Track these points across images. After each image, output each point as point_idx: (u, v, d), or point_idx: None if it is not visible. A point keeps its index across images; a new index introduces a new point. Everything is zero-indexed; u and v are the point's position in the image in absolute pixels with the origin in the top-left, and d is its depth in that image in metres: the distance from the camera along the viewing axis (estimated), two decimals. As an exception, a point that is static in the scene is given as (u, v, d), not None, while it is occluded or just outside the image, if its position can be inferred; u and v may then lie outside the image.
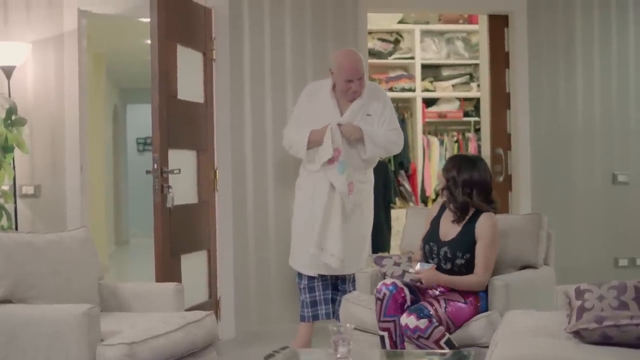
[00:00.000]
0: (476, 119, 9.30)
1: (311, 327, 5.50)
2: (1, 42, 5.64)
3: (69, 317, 3.68)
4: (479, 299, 4.42)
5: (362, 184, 5.51)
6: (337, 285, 5.56)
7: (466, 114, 9.42)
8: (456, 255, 4.44)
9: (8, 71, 5.61)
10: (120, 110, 14.08)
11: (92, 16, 6.08)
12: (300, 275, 5.54)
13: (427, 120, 9.29)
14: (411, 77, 9.21)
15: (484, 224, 4.47)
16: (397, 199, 8.81)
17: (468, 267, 4.45)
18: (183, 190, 5.49)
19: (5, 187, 5.59)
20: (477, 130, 9.32)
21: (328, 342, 3.38)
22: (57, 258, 4.17)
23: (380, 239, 8.07)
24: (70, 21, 5.87)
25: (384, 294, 4.25)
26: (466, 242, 4.45)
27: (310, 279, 5.50)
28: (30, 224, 5.83)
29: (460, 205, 4.50)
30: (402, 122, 9.18)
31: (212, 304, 5.86)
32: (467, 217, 4.51)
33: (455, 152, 9.33)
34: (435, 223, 4.63)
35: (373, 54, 8.70)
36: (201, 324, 4.18)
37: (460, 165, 4.54)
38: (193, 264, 5.65)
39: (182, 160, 5.51)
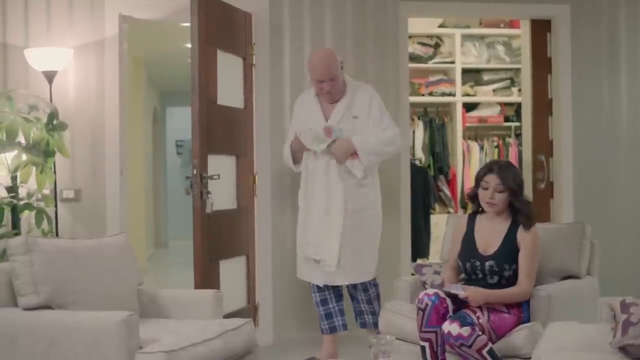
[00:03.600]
0: (517, 124, 9.21)
1: (334, 339, 5.36)
2: (43, 47, 5.67)
3: (109, 324, 3.68)
4: (522, 310, 4.35)
5: (362, 188, 5.23)
6: (352, 295, 5.40)
7: (507, 119, 9.33)
8: (503, 268, 4.37)
9: (50, 76, 5.64)
10: (160, 112, 14.14)
11: (133, 20, 6.09)
12: (312, 289, 5.39)
13: (467, 125, 9.21)
14: (451, 82, 9.14)
15: (526, 234, 4.40)
16: (436, 204, 8.77)
17: (515, 278, 4.39)
18: (222, 195, 5.48)
19: (47, 191, 5.61)
20: (518, 136, 9.22)
21: (356, 351, 3.35)
22: (96, 264, 4.18)
23: (419, 245, 8.04)
24: (111, 26, 5.89)
25: (426, 304, 4.19)
26: (511, 252, 4.38)
27: (321, 291, 5.34)
28: (71, 228, 5.86)
29: (528, 210, 4.44)
30: (442, 126, 9.15)
31: (250, 310, 5.85)
32: (507, 227, 4.44)
33: (496, 157, 9.25)
34: (470, 238, 4.53)
35: (413, 58, 8.63)
36: (240, 332, 4.17)
37: (513, 168, 4.51)
38: (232, 270, 5.65)
39: (222, 166, 5.50)
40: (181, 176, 13.55)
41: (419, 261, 8.05)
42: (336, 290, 5.37)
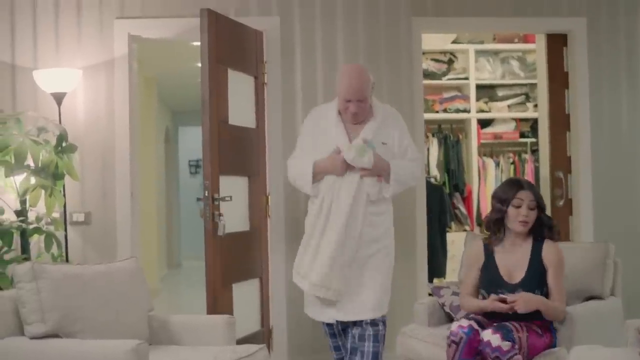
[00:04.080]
0: (533, 139, 9.10)
1: None
2: (52, 68, 5.59)
3: (118, 353, 3.59)
4: (552, 335, 4.23)
5: (378, 217, 4.76)
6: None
7: (522, 135, 9.22)
8: (534, 293, 4.22)
9: (59, 98, 5.57)
10: (172, 132, 14.09)
11: (143, 40, 6.02)
12: (325, 332, 4.96)
13: (482, 141, 9.10)
14: (466, 98, 9.04)
15: (551, 250, 4.30)
16: (452, 222, 8.65)
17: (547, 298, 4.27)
18: (234, 217, 5.37)
19: (56, 215, 5.53)
20: (534, 152, 9.11)
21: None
22: (106, 290, 4.08)
23: (436, 264, 7.92)
24: (120, 46, 5.83)
25: (460, 337, 4.01)
26: (538, 275, 4.26)
27: (329, 325, 4.88)
28: (81, 251, 5.77)
29: (553, 223, 4.40)
30: (457, 143, 9.04)
31: (264, 334, 5.73)
32: (530, 248, 4.32)
33: (512, 173, 9.13)
34: (492, 267, 4.37)
35: (427, 74, 8.54)
36: (254, 359, 4.05)
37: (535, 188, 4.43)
38: (245, 293, 5.53)
39: (234, 187, 5.40)
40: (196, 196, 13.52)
41: (435, 282, 7.94)
42: (343, 325, 4.80)
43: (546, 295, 4.23)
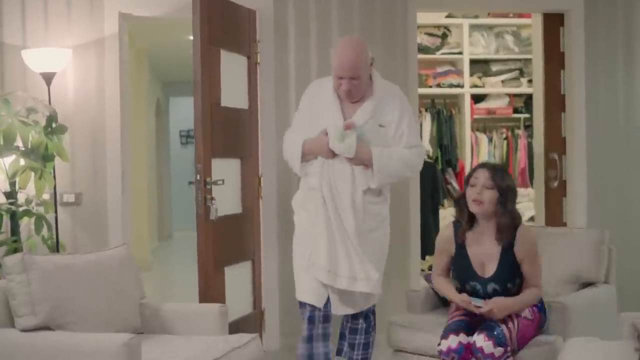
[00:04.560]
0: (526, 115, 9.05)
1: None
2: (41, 48, 5.50)
3: (110, 347, 3.55)
4: (542, 314, 4.21)
5: (375, 205, 4.40)
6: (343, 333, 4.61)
7: (516, 111, 9.17)
8: (507, 287, 4.15)
9: (48, 78, 5.47)
10: (163, 103, 13.98)
11: (133, 18, 5.92)
12: (306, 318, 4.51)
13: (475, 116, 9.05)
14: (459, 73, 8.96)
15: (524, 241, 4.15)
16: (445, 200, 8.62)
17: (520, 289, 4.20)
18: (226, 199, 5.32)
19: (46, 196, 5.46)
20: (527, 127, 9.07)
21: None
22: (97, 281, 4.04)
23: (428, 241, 7.88)
24: (111, 25, 5.72)
25: (452, 358, 3.95)
26: (512, 268, 4.15)
27: (312, 322, 4.46)
28: (71, 232, 5.71)
29: (512, 221, 4.14)
30: (450, 118, 8.98)
31: (256, 316, 5.71)
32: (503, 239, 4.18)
33: (505, 149, 9.10)
34: (463, 259, 4.25)
35: (420, 49, 8.42)
36: (246, 349, 4.03)
37: (505, 171, 4.23)
38: (237, 275, 5.49)
39: (226, 169, 5.34)
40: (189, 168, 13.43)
41: (428, 259, 7.93)
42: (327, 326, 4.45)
43: (520, 283, 4.17)
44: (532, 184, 8.46)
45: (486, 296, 4.13)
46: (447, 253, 4.35)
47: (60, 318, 3.81)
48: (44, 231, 5.36)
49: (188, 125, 15.02)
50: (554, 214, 6.43)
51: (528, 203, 8.68)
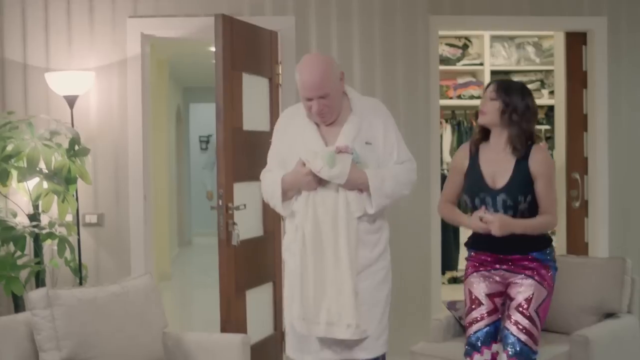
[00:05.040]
0: (547, 127, 9.02)
1: None
2: (64, 71, 5.53)
3: (134, 385, 3.56)
4: (552, 277, 4.05)
5: (372, 235, 3.94)
6: None
7: (537, 122, 9.12)
8: (518, 200, 3.94)
9: (71, 100, 5.50)
10: (183, 109, 14.01)
11: (155, 39, 5.95)
12: None
13: (496, 128, 9.02)
14: (480, 84, 8.97)
15: (539, 158, 3.97)
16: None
17: (531, 211, 3.98)
18: (248, 223, 5.33)
19: (69, 218, 5.50)
20: (548, 139, 9.04)
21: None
22: (121, 314, 4.06)
23: (448, 257, 7.90)
24: (133, 46, 5.75)
25: None
26: (524, 182, 3.95)
27: None
28: (94, 253, 5.75)
29: (525, 135, 3.96)
30: (471, 129, 8.96)
31: (277, 337, 5.72)
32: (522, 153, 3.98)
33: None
34: (476, 171, 4.06)
35: (441, 60, 8.42)
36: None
37: (523, 90, 4.04)
38: (258, 297, 5.50)
39: (247, 192, 5.34)
40: (202, 175, 13.48)
41: (447, 274, 7.92)
42: None
43: (534, 205, 3.98)
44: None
45: (495, 210, 3.97)
46: (461, 171, 4.16)
47: (85, 353, 3.84)
48: (67, 253, 5.38)
49: (208, 131, 15.09)
50: (576, 233, 6.41)
51: (549, 216, 8.64)
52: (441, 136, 8.54)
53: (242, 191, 5.26)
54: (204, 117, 14.59)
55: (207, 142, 15.36)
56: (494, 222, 3.84)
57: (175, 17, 5.79)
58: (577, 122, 6.46)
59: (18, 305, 5.34)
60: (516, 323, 3.94)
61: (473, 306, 4.10)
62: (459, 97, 8.96)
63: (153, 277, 4.55)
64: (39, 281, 5.39)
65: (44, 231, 5.35)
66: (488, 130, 4.08)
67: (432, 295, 5.99)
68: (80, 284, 5.45)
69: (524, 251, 3.99)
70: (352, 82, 5.87)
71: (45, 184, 5.28)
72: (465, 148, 4.21)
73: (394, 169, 3.94)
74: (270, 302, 5.71)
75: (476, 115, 4.25)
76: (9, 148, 5.21)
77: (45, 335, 3.79)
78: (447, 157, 8.80)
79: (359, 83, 5.87)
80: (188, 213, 14.12)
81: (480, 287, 4.08)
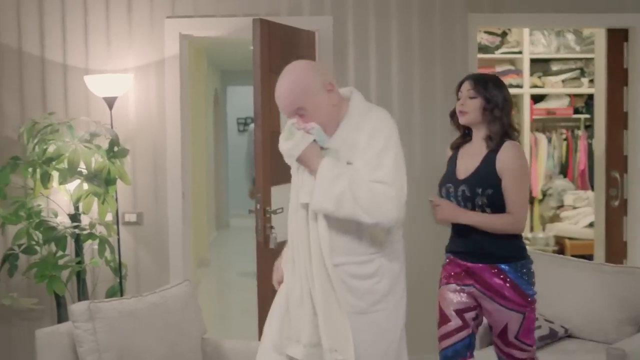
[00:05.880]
0: (586, 115, 8.96)
1: None
2: (103, 74, 5.58)
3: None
4: (525, 294, 3.82)
5: (362, 282, 3.26)
6: None
7: (576, 111, 9.08)
8: (475, 192, 3.80)
9: (110, 102, 5.54)
10: (221, 92, 14.05)
11: (193, 39, 5.97)
12: None
13: (534, 117, 8.97)
14: (519, 73, 8.90)
15: (508, 153, 3.80)
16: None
17: (492, 208, 3.80)
18: (285, 226, 5.32)
19: (109, 218, 5.57)
20: (587, 127, 8.97)
21: None
22: (160, 324, 4.11)
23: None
24: (171, 47, 5.77)
25: None
26: (487, 174, 3.81)
27: None
28: (133, 251, 5.82)
29: (503, 130, 3.84)
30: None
31: (314, 336, 5.76)
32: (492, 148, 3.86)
33: (564, 150, 9.01)
34: (452, 163, 4.03)
35: (479, 48, 8.38)
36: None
37: (498, 82, 3.94)
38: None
39: (284, 194, 5.33)
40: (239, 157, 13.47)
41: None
42: None
43: (497, 203, 3.78)
44: (592, 186, 8.37)
45: (455, 199, 3.90)
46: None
47: (126, 365, 3.91)
48: (107, 253, 5.46)
49: (246, 113, 15.14)
50: (615, 232, 6.37)
51: (587, 208, 8.60)
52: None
53: (279, 194, 5.27)
54: (242, 100, 14.63)
55: (245, 124, 15.41)
56: (439, 205, 3.83)
57: (213, 17, 5.80)
58: (617, 119, 6.40)
59: (60, 303, 5.43)
60: (501, 351, 3.95)
61: (442, 320, 4.01)
62: (498, 85, 8.89)
63: (191, 283, 4.61)
64: (80, 280, 5.48)
65: (84, 232, 5.42)
66: (469, 129, 4.01)
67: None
68: (120, 282, 5.53)
69: (491, 260, 3.84)
70: (390, 82, 5.86)
71: (85, 186, 5.35)
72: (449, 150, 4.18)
73: (359, 178, 3.13)
74: (307, 302, 5.74)
75: (452, 112, 4.07)
76: (50, 150, 5.28)
77: (87, 348, 3.85)
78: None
79: (396, 82, 5.86)
80: (225, 195, 14.20)
81: (448, 302, 3.97)
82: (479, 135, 3.95)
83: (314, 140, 3.22)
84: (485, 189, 3.79)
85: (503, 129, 3.85)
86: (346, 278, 3.23)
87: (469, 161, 3.93)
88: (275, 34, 5.23)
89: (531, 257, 3.95)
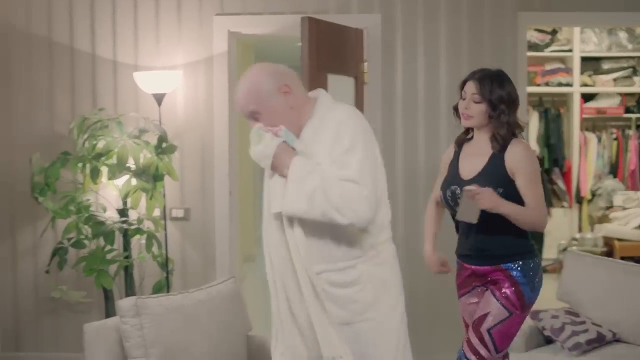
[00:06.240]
0: (638, 115, 8.83)
1: None
2: (152, 71, 5.62)
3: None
4: (521, 296, 3.71)
5: (342, 290, 3.08)
6: None
7: (627, 110, 8.95)
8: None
9: (159, 98, 5.59)
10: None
11: (242, 36, 6.00)
12: None
13: (584, 116, 8.87)
14: (569, 71, 8.80)
15: (516, 152, 3.68)
16: (550, 208, 8.49)
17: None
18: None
19: (156, 213, 5.62)
20: (639, 127, 8.85)
21: None
22: (206, 320, 4.14)
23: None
24: (220, 44, 5.80)
25: None
26: (496, 173, 3.68)
27: None
28: (180, 247, 5.87)
29: (510, 131, 3.71)
30: (558, 117, 8.82)
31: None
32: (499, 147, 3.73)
33: (614, 149, 8.91)
34: (454, 165, 3.90)
35: (529, 46, 8.28)
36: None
37: (501, 79, 3.78)
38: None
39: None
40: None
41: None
42: None
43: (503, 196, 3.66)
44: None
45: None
46: (447, 169, 4.01)
47: (172, 360, 3.94)
48: (154, 248, 5.51)
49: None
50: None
51: (637, 209, 8.49)
52: (527, 123, 8.41)
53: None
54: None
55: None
56: (484, 192, 3.57)
57: (261, 14, 5.82)
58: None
59: (107, 297, 5.49)
60: (467, 340, 3.79)
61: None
62: (547, 84, 8.80)
63: (237, 280, 4.63)
64: (127, 275, 5.54)
65: (132, 227, 5.48)
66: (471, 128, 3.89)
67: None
68: (167, 277, 5.58)
69: (494, 261, 3.76)
70: (438, 80, 5.83)
71: (133, 181, 5.40)
72: (452, 146, 4.04)
73: (330, 175, 2.99)
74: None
75: (455, 106, 3.94)
76: (100, 146, 5.34)
77: (133, 343, 3.89)
78: (533, 144, 8.68)
79: (445, 81, 5.81)
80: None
81: (468, 314, 3.92)
82: (482, 135, 3.82)
83: (285, 142, 3.12)
84: (495, 188, 3.63)
85: (510, 130, 3.73)
86: (326, 286, 3.07)
87: (473, 161, 3.81)
88: (323, 32, 5.23)
89: (538, 256, 3.82)
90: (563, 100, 8.93)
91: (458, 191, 3.76)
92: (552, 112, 8.87)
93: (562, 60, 8.90)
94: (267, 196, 3.23)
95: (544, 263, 8.49)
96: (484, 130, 3.81)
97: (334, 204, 2.94)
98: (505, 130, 3.71)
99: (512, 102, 3.75)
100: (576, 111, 8.78)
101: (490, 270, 3.79)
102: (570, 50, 8.81)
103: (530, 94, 8.23)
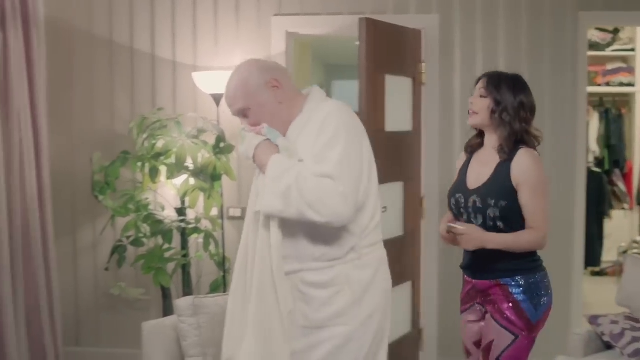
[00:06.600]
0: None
1: None
2: (211, 71, 5.67)
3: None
4: (526, 314, 3.54)
5: (321, 291, 3.03)
6: None
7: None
8: (487, 204, 3.53)
9: (217, 98, 5.63)
10: (326, 87, 14.08)
11: (299, 37, 6.02)
12: None
13: (647, 117, 8.73)
14: (631, 71, 8.66)
15: (523, 161, 3.51)
16: (610, 211, 8.37)
17: (504, 221, 3.54)
18: (388, 223, 5.33)
19: (214, 212, 5.66)
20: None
21: None
22: (262, 321, 4.16)
23: (592, 253, 7.71)
24: (278, 44, 5.83)
25: None
26: (500, 185, 3.54)
27: None
28: (237, 246, 5.83)
29: (515, 136, 3.55)
30: (619, 117, 8.69)
31: (415, 335, 5.75)
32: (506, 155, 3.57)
33: (677, 151, 8.75)
34: (463, 172, 3.78)
35: (590, 45, 8.17)
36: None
37: (515, 84, 3.64)
38: (397, 296, 5.49)
39: (388, 193, 5.35)
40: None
41: (589, 269, 7.72)
42: None
43: (512, 216, 3.54)
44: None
45: (465, 211, 3.67)
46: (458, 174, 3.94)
47: (228, 360, 3.96)
48: (212, 247, 5.55)
49: (352, 107, 15.08)
50: None
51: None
52: (587, 123, 8.30)
53: (384, 193, 5.25)
54: (346, 94, 14.61)
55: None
56: (464, 233, 3.51)
57: (319, 15, 5.83)
58: None
59: (165, 295, 5.56)
60: None
61: (465, 353, 3.88)
62: (608, 84, 8.67)
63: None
64: (185, 273, 5.59)
65: (190, 226, 5.53)
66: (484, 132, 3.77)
67: (572, 299, 5.83)
68: (224, 276, 5.62)
69: (494, 275, 3.61)
70: (497, 81, 5.75)
71: (192, 181, 5.45)
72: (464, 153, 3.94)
73: (306, 172, 2.92)
74: (409, 301, 5.74)
75: (466, 115, 3.81)
76: (159, 145, 5.40)
77: (191, 342, 3.94)
78: (593, 145, 8.58)
79: (503, 82, 5.75)
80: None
81: (467, 334, 3.84)
82: (490, 142, 3.70)
83: (268, 140, 3.10)
84: (498, 200, 3.52)
85: (513, 136, 3.57)
86: (301, 286, 3.01)
87: (480, 170, 3.69)
88: (381, 33, 5.22)
89: (545, 271, 3.63)
90: (624, 100, 8.80)
91: (462, 200, 3.69)
92: (613, 113, 8.75)
93: (623, 59, 8.76)
94: (253, 195, 3.22)
95: (603, 265, 8.42)
96: (492, 135, 3.68)
97: (308, 200, 2.87)
98: (507, 134, 3.57)
99: (522, 107, 3.60)
100: (638, 111, 8.65)
101: (489, 285, 3.64)
102: (632, 50, 8.67)
103: (591, 94, 8.10)
